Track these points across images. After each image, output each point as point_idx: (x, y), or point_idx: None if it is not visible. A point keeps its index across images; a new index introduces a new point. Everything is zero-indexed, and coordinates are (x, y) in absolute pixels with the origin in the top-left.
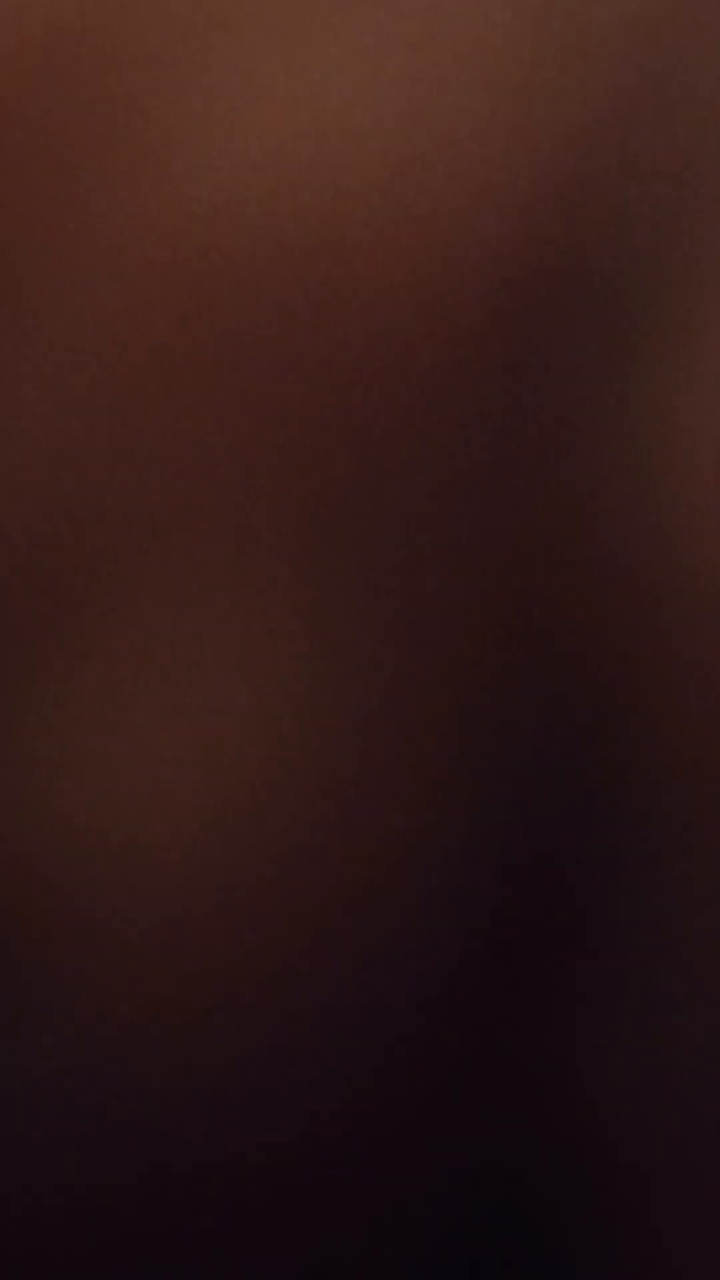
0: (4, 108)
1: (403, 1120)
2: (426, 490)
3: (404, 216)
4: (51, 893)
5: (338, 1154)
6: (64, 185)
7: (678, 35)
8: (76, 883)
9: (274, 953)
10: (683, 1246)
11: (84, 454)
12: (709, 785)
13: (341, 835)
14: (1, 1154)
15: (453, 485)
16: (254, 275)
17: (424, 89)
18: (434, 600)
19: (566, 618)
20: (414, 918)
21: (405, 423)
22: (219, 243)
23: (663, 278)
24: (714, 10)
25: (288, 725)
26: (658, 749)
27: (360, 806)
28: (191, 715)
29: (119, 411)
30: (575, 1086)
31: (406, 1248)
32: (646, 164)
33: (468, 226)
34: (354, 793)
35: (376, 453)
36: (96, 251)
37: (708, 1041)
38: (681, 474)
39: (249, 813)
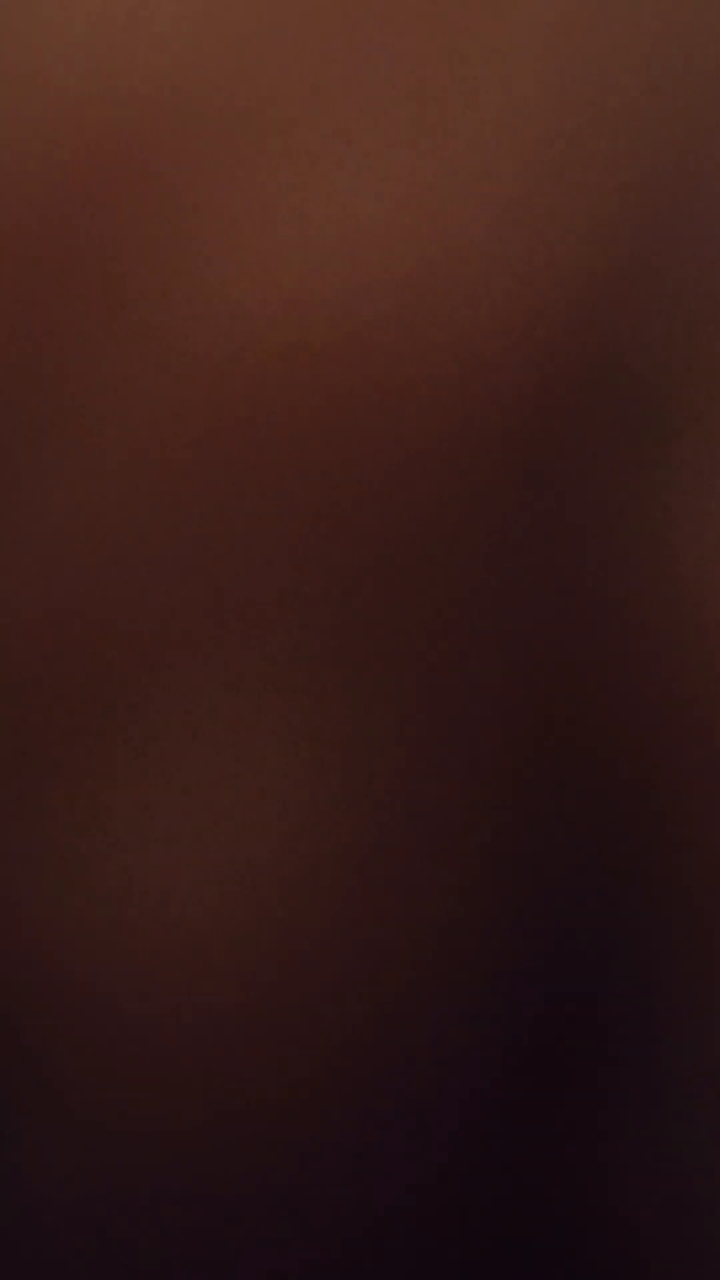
0: (28, 233)
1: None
2: (451, 602)
3: (425, 331)
4: (69, 993)
5: (349, 1220)
6: (83, 308)
7: (700, 144)
8: (73, 1013)
9: (290, 1060)
10: None
11: (109, 562)
12: None
13: (365, 953)
14: (10, 1261)
15: (477, 596)
16: (273, 396)
17: (446, 201)
18: (459, 713)
19: (600, 733)
20: (436, 1036)
21: (429, 538)
22: (239, 363)
23: (692, 385)
24: None
25: (307, 841)
26: (694, 870)
27: (382, 927)
28: (213, 829)
29: (141, 522)
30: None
31: None
32: (673, 275)
33: (491, 343)
34: (375, 914)
35: (399, 565)
36: (112, 378)
37: None
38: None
39: (267, 926)
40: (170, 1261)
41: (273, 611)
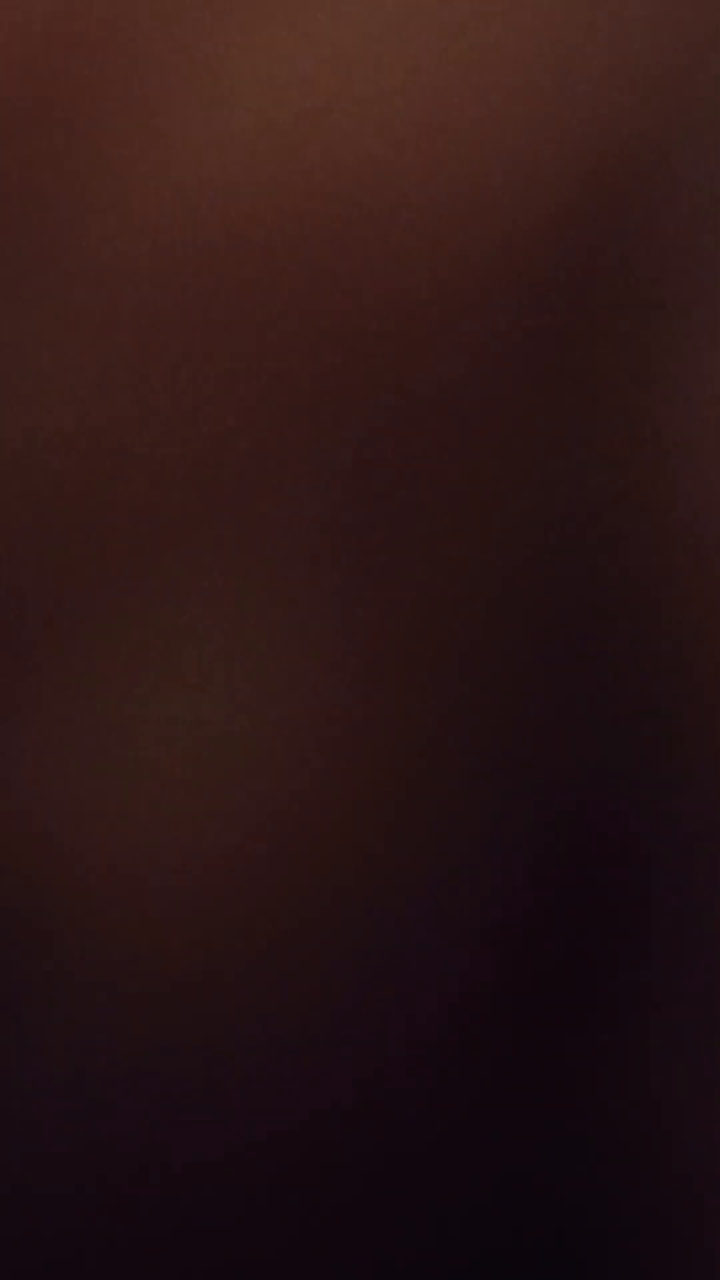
0: (22, 77)
1: (408, 1140)
2: (437, 494)
3: (414, 205)
4: (52, 903)
5: (341, 1168)
6: (61, 176)
7: (710, 29)
8: (75, 895)
9: (276, 963)
10: None
11: (79, 467)
12: None
13: (346, 847)
14: (4, 1163)
15: (461, 488)
16: (257, 268)
17: (440, 71)
18: (445, 609)
19: (598, 594)
20: (421, 934)
21: (415, 428)
22: (220, 234)
23: (696, 258)
24: None
25: (285, 738)
26: (669, 753)
27: (364, 817)
28: (189, 729)
29: (115, 425)
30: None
31: (408, 1249)
32: (678, 158)
33: (483, 215)
34: (356, 804)
35: (385, 459)
36: (93, 247)
37: None
38: (707, 476)
39: (249, 825)
40: (167, 1126)
41: (273, 483)
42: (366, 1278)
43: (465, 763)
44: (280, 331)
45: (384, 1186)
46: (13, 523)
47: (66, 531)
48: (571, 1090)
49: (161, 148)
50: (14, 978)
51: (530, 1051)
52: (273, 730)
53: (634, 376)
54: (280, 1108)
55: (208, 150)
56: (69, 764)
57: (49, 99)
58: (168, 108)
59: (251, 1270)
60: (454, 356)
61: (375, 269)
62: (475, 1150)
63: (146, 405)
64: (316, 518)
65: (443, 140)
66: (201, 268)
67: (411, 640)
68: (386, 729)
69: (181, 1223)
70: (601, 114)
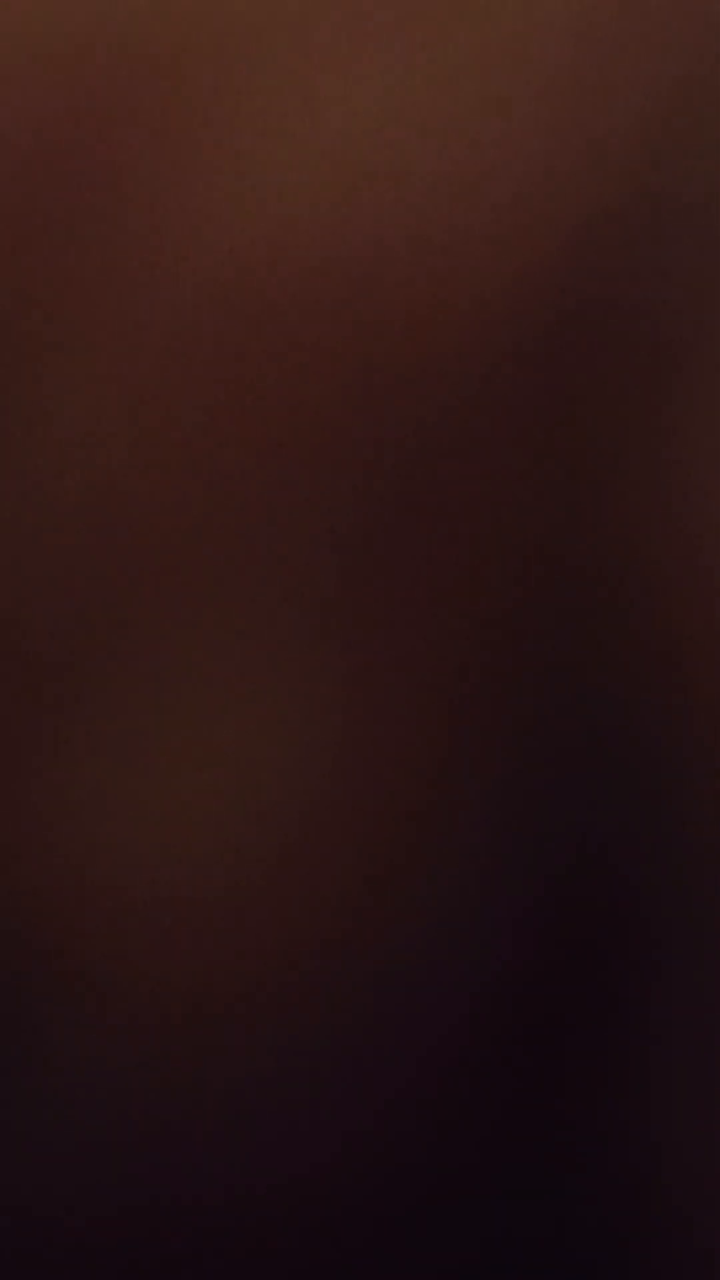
0: (31, 157)
1: (408, 1141)
2: (443, 536)
3: (432, 251)
4: (61, 926)
5: (345, 1191)
6: (89, 229)
7: (707, 70)
8: (80, 927)
9: (283, 984)
10: None
11: (86, 508)
12: None
13: (351, 880)
14: (6, 1182)
15: (466, 530)
16: (267, 312)
17: (457, 124)
18: (451, 645)
19: (596, 660)
20: (424, 947)
21: (421, 471)
22: (241, 287)
23: (701, 310)
24: None
25: (290, 775)
26: (670, 781)
27: (368, 850)
28: (194, 765)
29: (125, 467)
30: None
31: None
32: (684, 195)
33: (499, 260)
34: (361, 839)
35: (392, 500)
36: (116, 297)
37: None
38: (709, 515)
39: (254, 861)
40: (172, 1156)
41: (281, 523)
42: (365, 1275)
43: (470, 787)
44: (289, 376)
45: (384, 1186)
46: (22, 562)
47: (74, 569)
48: (571, 1090)
49: (180, 204)
50: (18, 1009)
51: (530, 1053)
52: (278, 767)
53: (636, 420)
54: (281, 1129)
55: (223, 203)
56: (74, 798)
57: (69, 170)
58: (187, 175)
59: (253, 1264)
60: (458, 402)
61: (381, 317)
62: (475, 1151)
63: (157, 449)
64: (323, 558)
65: (449, 188)
66: (209, 314)
67: (417, 676)
68: (392, 765)
69: (189, 1247)
70: (603, 164)
